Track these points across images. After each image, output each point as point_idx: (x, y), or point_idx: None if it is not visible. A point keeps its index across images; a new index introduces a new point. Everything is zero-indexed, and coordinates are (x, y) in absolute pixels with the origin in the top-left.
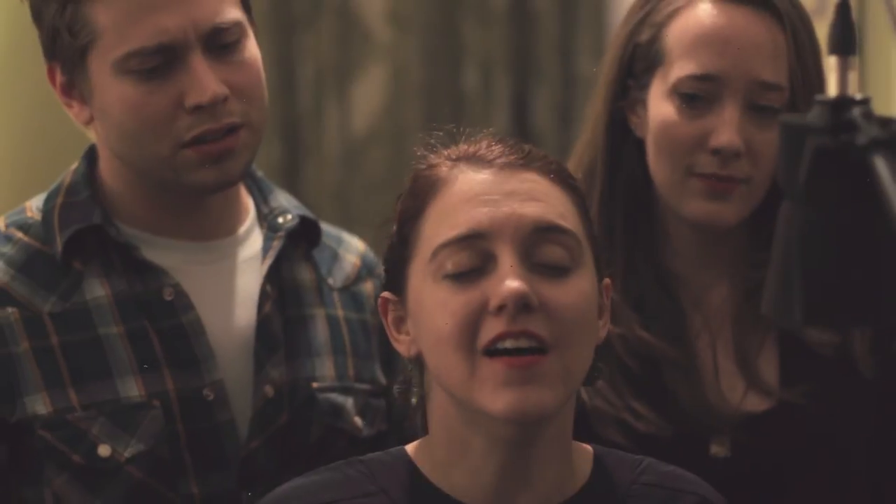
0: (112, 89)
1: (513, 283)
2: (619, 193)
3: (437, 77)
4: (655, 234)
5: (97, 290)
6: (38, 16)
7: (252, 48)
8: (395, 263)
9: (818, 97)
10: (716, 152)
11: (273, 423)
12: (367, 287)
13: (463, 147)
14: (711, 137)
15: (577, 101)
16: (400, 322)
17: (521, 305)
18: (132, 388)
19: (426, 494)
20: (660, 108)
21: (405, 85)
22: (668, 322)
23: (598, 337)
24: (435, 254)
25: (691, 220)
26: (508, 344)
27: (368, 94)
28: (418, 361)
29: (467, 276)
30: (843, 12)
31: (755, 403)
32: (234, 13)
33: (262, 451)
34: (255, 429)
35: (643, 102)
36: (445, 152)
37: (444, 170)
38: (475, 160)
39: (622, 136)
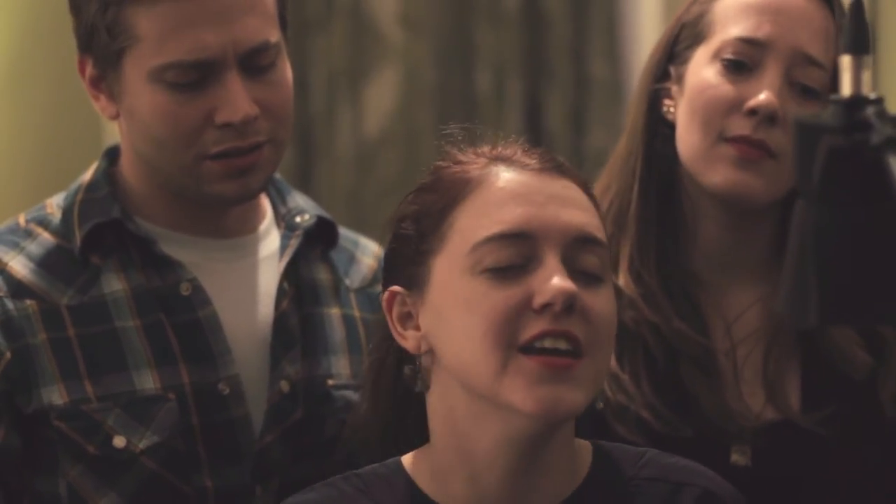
0: (144, 94)
1: (563, 283)
2: (655, 179)
3: (450, 80)
4: (682, 232)
5: (115, 285)
6: (76, 9)
7: (285, 68)
8: (407, 258)
9: (832, 96)
10: (752, 113)
11: (288, 419)
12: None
13: (496, 149)
14: (748, 99)
15: (590, 103)
16: (406, 318)
17: (567, 305)
18: (148, 381)
19: None
20: (700, 73)
21: (417, 87)
22: (690, 323)
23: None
24: (475, 248)
25: (718, 191)
26: (547, 343)
27: (381, 97)
28: (425, 358)
29: (508, 272)
30: (856, 11)
31: (776, 413)
32: (274, 34)
33: (276, 446)
34: (269, 424)
35: (680, 80)
36: (476, 150)
37: (477, 167)
38: (511, 162)
39: (658, 121)
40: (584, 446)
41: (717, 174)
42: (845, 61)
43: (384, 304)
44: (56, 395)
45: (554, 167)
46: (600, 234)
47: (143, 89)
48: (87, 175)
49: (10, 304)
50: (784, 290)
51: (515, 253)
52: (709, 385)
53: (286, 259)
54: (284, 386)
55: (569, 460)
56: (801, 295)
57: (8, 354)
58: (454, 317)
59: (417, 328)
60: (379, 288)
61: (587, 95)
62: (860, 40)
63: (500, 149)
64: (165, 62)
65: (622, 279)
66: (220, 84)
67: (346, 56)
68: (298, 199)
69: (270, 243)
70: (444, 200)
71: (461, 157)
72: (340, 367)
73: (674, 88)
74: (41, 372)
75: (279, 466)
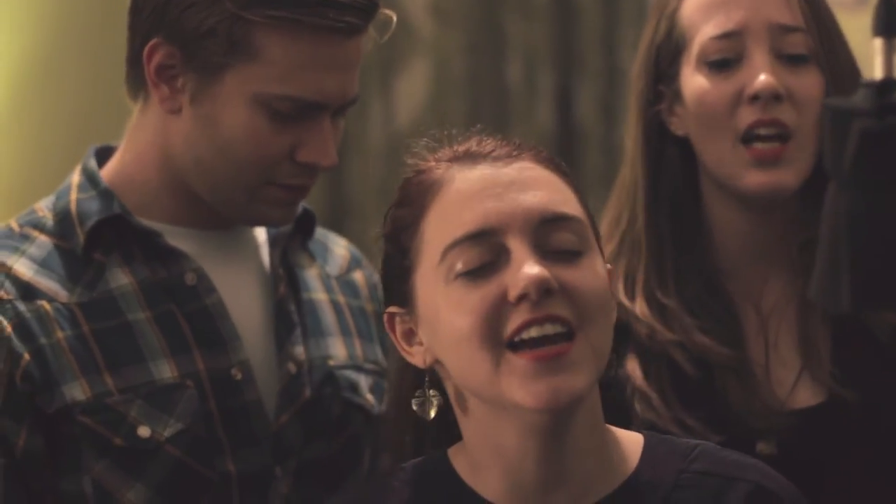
0: (240, 113)
1: (531, 270)
2: (664, 200)
3: (480, 71)
4: (702, 235)
5: (121, 279)
6: (184, 2)
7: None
8: (395, 276)
9: (863, 80)
10: (755, 99)
11: (298, 400)
12: (358, 276)
13: (452, 148)
14: (747, 88)
15: (621, 94)
16: (410, 335)
17: (543, 291)
18: (165, 371)
19: (466, 501)
20: (692, 83)
21: (448, 79)
22: (721, 322)
23: (612, 319)
24: (444, 255)
25: (750, 193)
26: (534, 332)
27: (411, 88)
28: (435, 371)
29: (481, 272)
30: None
31: (804, 399)
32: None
33: (290, 427)
34: (282, 405)
35: (679, 96)
36: (435, 156)
37: (437, 172)
38: (467, 157)
39: (661, 143)
40: (635, 438)
41: (745, 179)
42: (876, 44)
43: (387, 327)
44: (78, 391)
45: (509, 152)
46: (568, 207)
47: (240, 106)
48: (75, 177)
49: (21, 307)
50: (816, 275)
51: (484, 251)
52: (738, 383)
53: (279, 246)
54: (292, 368)
55: (603, 448)
56: (833, 280)
57: (26, 356)
58: (443, 326)
59: (421, 343)
60: (354, 275)
61: (618, 86)
62: (891, 23)
63: (455, 147)
64: (283, 93)
65: (638, 304)
66: (315, 123)
67: (377, 47)
68: None
69: (262, 231)
70: (413, 213)
71: (422, 166)
72: (337, 349)
73: (676, 107)
74: (60, 370)
75: (295, 447)
